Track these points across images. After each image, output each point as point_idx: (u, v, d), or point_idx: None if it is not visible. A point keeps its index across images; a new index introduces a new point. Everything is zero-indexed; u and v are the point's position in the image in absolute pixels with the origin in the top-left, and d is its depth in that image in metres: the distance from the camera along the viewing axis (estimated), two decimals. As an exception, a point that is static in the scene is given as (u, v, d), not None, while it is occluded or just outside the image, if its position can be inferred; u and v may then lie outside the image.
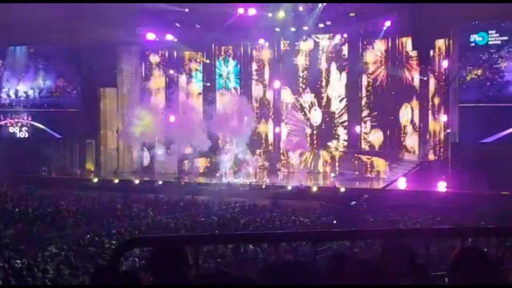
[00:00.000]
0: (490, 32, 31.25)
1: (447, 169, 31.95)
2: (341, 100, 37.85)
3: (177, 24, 36.64)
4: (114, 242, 18.57)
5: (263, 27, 36.31)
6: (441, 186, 30.19)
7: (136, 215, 24.87)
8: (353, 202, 28.19)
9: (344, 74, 37.68)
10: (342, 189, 31.14)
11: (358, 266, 3.88)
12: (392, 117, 35.97)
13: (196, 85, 40.61)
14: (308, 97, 38.59)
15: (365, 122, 37.18)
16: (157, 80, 40.84)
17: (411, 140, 35.68)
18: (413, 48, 34.80)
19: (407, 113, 35.74)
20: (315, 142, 38.46)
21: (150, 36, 37.85)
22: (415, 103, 35.32)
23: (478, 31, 31.41)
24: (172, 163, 38.43)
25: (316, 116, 38.42)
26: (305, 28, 36.55)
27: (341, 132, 37.96)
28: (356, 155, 37.16)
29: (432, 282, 4.60)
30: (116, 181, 35.72)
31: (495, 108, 31.11)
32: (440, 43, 33.25)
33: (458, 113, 32.01)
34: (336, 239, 6.72)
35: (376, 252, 4.82)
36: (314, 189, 31.85)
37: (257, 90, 39.77)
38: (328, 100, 38.18)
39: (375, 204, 27.54)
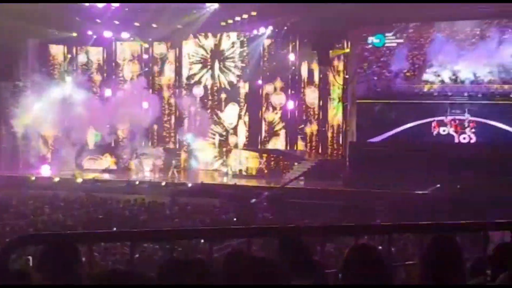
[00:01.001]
0: (386, 34, 32.14)
1: (345, 168, 32.67)
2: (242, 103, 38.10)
3: (77, 18, 35.82)
4: (7, 240, 17.99)
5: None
6: (339, 184, 30.79)
7: (32, 212, 24.22)
8: (253, 200, 28.39)
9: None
10: (243, 187, 31.27)
11: (254, 263, 3.89)
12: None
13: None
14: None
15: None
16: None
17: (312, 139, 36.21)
18: (313, 49, 35.26)
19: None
20: (215, 139, 38.47)
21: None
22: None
23: (375, 33, 32.25)
24: (70, 159, 37.60)
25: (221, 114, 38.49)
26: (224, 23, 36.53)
27: (243, 130, 38.09)
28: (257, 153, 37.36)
29: (327, 279, 4.67)
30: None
31: (387, 104, 32.24)
32: (339, 44, 33.98)
33: (356, 112, 32.84)
34: (233, 237, 6.72)
35: (274, 249, 4.86)
36: (214, 186, 31.84)
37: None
38: (227, 100, 38.36)
39: (275, 202, 27.85)
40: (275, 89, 36.93)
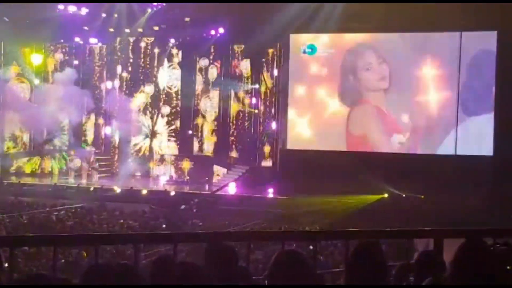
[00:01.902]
0: (318, 44, 32.51)
1: (276, 175, 32.87)
2: (174, 106, 37.86)
3: (5, 18, 35.01)
4: None
5: (96, 27, 35.79)
6: (270, 192, 30.95)
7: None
8: (183, 206, 28.28)
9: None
10: (172, 193, 31.12)
11: (180, 268, 3.88)
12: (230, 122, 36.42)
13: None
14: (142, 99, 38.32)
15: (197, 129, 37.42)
16: None
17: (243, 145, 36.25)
18: (245, 57, 35.40)
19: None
20: (146, 144, 38.20)
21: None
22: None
23: (308, 43, 32.61)
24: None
25: (147, 120, 38.22)
26: (140, 30, 36.25)
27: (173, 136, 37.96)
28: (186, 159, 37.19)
29: (253, 283, 4.69)
30: None
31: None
32: (271, 52, 34.21)
33: (287, 120, 33.16)
34: (159, 242, 6.68)
35: (202, 254, 4.85)
36: (144, 192, 31.58)
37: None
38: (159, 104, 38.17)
39: (204, 208, 27.82)
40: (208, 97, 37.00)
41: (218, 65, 36.65)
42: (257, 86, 35.18)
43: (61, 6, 34.24)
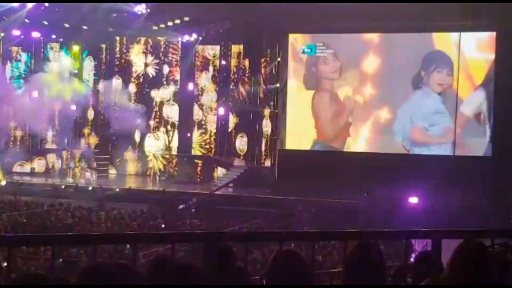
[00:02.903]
0: (317, 44, 32.54)
1: (274, 175, 32.89)
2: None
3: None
4: None
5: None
6: (267, 192, 30.94)
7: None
8: (181, 206, 28.28)
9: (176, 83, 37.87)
10: (171, 193, 31.09)
11: (178, 268, 3.87)
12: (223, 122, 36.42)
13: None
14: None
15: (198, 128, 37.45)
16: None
17: (241, 146, 36.25)
18: (244, 57, 35.45)
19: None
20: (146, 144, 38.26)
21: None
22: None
23: (307, 43, 32.64)
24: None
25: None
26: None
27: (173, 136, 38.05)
28: (185, 159, 37.21)
29: (250, 283, 4.69)
30: None
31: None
32: (270, 52, 34.22)
33: (286, 120, 33.18)
34: (157, 242, 6.69)
35: (200, 254, 4.85)
36: (142, 191, 31.56)
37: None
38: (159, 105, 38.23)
39: (202, 208, 27.82)
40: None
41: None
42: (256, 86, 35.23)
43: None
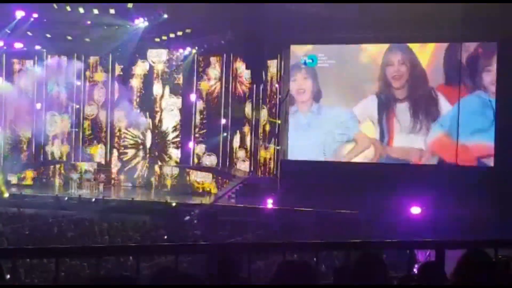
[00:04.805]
0: (319, 55, 32.57)
1: (276, 186, 32.85)
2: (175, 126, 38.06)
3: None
4: None
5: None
6: (269, 203, 30.89)
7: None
8: (187, 217, 28.27)
9: (179, 99, 37.94)
10: (173, 204, 31.08)
11: (182, 280, 3.88)
12: (225, 134, 36.48)
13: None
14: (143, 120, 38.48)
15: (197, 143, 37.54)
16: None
17: (243, 155, 36.29)
18: (246, 68, 35.52)
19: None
20: (147, 156, 38.29)
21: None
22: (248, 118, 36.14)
23: (308, 54, 32.67)
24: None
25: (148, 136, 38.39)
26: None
27: (173, 150, 38.07)
28: (188, 170, 37.22)
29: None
30: None
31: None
32: (272, 64, 34.29)
33: (288, 131, 33.18)
34: (160, 254, 6.69)
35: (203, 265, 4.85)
36: (145, 203, 31.55)
37: (90, 110, 39.26)
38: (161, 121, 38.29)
39: (205, 219, 27.78)
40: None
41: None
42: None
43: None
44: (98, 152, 38.85)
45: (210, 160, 37.16)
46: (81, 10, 32.64)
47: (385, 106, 31.83)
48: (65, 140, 38.93)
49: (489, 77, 29.92)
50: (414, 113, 31.24)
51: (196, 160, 37.35)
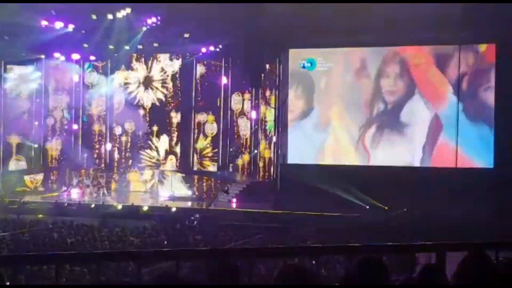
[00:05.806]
0: (318, 59, 32.57)
1: (276, 190, 32.83)
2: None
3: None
4: None
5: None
6: (269, 206, 30.90)
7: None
8: (188, 222, 28.26)
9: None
10: (174, 209, 31.06)
11: (183, 285, 3.88)
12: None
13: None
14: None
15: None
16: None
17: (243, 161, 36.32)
18: (244, 71, 35.50)
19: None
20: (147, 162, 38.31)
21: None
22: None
23: (307, 58, 32.66)
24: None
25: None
26: (139, 46, 36.28)
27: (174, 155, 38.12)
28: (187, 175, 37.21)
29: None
30: None
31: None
32: (270, 67, 34.31)
33: (287, 134, 33.17)
34: (161, 260, 6.67)
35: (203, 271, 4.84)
36: (145, 208, 31.53)
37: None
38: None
39: (205, 224, 27.76)
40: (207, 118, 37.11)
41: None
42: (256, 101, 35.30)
43: (45, 22, 33.45)
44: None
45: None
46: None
47: (381, 112, 31.86)
48: (65, 144, 38.87)
49: (488, 80, 29.95)
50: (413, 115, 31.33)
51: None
